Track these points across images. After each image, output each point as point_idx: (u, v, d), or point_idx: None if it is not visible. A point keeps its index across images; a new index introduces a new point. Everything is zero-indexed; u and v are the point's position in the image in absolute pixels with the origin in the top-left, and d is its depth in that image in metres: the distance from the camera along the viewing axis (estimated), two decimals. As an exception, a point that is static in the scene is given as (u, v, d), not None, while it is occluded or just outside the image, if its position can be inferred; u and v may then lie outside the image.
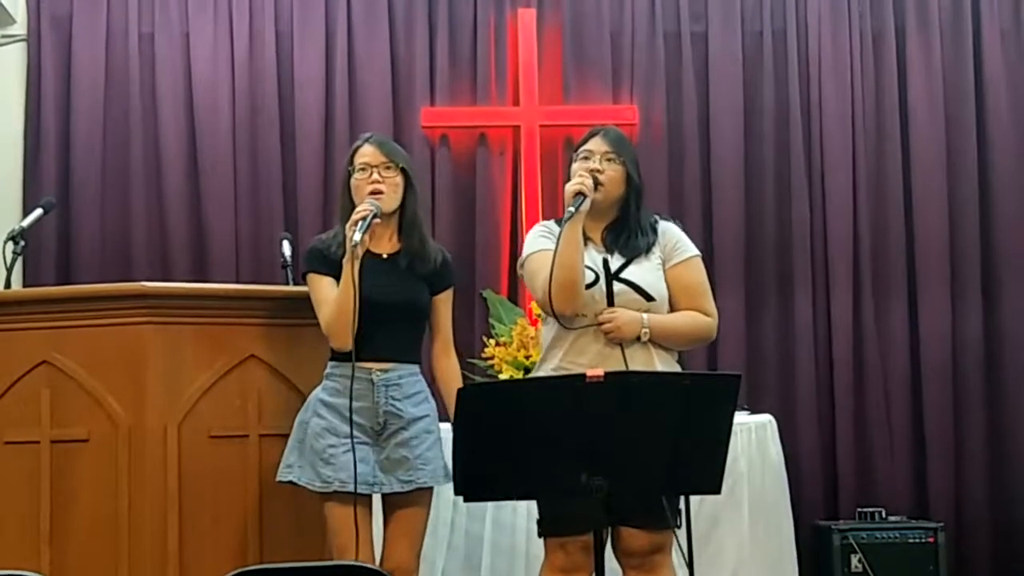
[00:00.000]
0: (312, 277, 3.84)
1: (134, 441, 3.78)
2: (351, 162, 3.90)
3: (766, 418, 5.59)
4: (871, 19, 6.54)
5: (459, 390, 3.18)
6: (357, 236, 3.64)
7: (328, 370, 3.82)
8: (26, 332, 3.87)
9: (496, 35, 6.44)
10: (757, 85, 6.49)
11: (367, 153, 3.88)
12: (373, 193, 3.80)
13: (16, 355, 3.87)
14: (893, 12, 6.54)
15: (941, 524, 5.89)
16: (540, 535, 3.72)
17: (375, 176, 3.83)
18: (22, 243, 4.36)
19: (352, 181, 3.87)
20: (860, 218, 6.42)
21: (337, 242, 3.82)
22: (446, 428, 3.59)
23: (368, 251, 3.78)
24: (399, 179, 3.87)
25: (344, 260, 3.71)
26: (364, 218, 3.68)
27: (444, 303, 3.97)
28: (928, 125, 6.47)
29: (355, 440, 3.70)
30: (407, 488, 3.77)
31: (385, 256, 3.86)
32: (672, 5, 6.50)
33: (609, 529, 3.64)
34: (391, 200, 3.84)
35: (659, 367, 3.68)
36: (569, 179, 3.75)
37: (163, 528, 3.77)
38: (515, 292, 6.28)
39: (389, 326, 3.75)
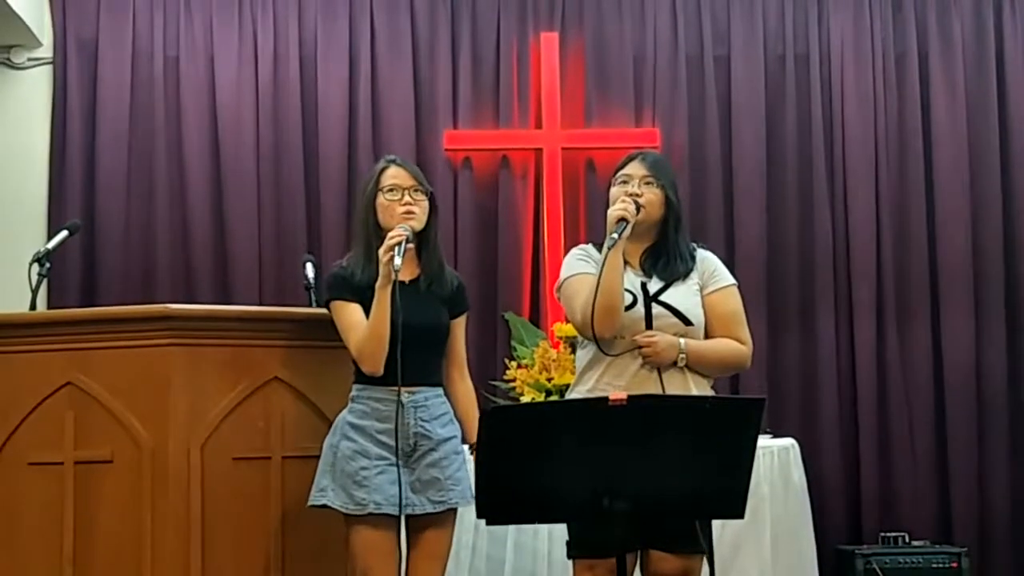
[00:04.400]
0: (337, 304, 3.82)
1: (157, 462, 3.78)
2: (377, 183, 3.89)
3: (789, 442, 5.57)
4: (894, 42, 6.55)
5: (483, 413, 3.17)
6: (398, 261, 3.62)
7: (354, 393, 3.81)
8: (50, 354, 3.87)
9: (519, 58, 6.46)
10: (780, 109, 6.50)
11: (397, 175, 3.87)
12: (407, 215, 3.80)
13: (41, 377, 3.87)
14: (916, 35, 6.54)
15: (965, 549, 5.87)
16: (569, 557, 3.72)
17: (407, 198, 3.83)
18: (47, 265, 4.38)
19: (380, 201, 3.85)
20: (883, 241, 6.42)
21: (360, 267, 3.82)
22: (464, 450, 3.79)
23: None
24: (426, 203, 3.87)
25: (378, 285, 3.68)
26: (400, 243, 3.67)
27: (460, 327, 3.97)
28: (951, 148, 6.47)
29: (386, 462, 3.71)
30: (439, 508, 3.77)
31: (407, 281, 3.85)
32: (695, 29, 6.51)
33: (639, 552, 3.65)
34: (421, 223, 3.84)
35: (694, 392, 3.68)
36: (608, 204, 3.74)
37: (186, 549, 3.77)
38: (537, 314, 6.29)
39: (415, 349, 3.74)
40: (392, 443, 3.74)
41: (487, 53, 6.48)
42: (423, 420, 3.78)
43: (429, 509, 3.77)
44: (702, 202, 6.42)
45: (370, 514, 3.69)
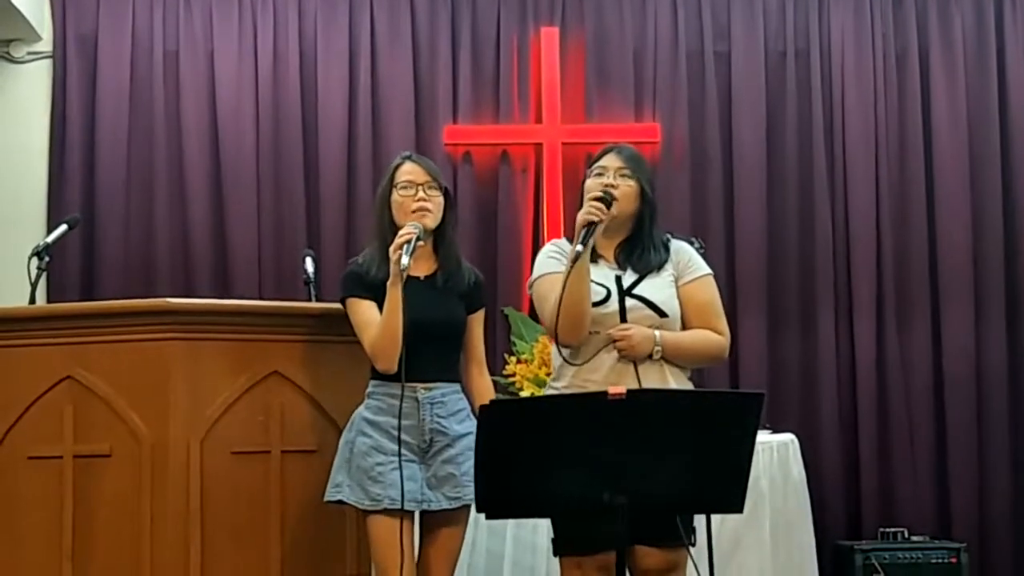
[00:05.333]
0: (352, 301, 3.82)
1: (156, 456, 3.78)
2: (392, 180, 3.88)
3: (788, 437, 5.56)
4: (894, 39, 6.54)
5: (481, 407, 3.17)
6: (405, 260, 3.61)
7: (370, 389, 3.81)
8: (50, 348, 3.88)
9: (519, 53, 6.45)
10: (780, 105, 6.49)
11: (411, 171, 3.86)
12: (420, 211, 3.79)
13: (40, 371, 3.88)
14: (916, 32, 6.54)
15: (964, 544, 5.87)
16: (555, 554, 3.71)
17: (421, 194, 3.83)
18: (47, 259, 4.38)
19: (394, 198, 3.84)
20: (883, 237, 6.42)
21: (375, 264, 3.81)
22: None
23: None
24: (441, 199, 3.87)
25: (389, 283, 3.68)
26: (409, 241, 3.66)
27: (477, 323, 3.97)
28: (951, 145, 6.46)
29: (402, 458, 3.71)
30: (455, 505, 3.77)
31: (423, 277, 3.85)
32: (695, 24, 6.51)
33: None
34: (435, 219, 3.84)
35: (672, 384, 3.67)
36: (583, 195, 3.74)
37: (185, 543, 3.77)
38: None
39: (431, 346, 3.75)
40: (409, 439, 3.74)
41: (487, 48, 6.47)
42: (439, 416, 3.78)
43: (445, 505, 3.77)
44: (702, 198, 6.41)
45: (385, 509, 3.70)
